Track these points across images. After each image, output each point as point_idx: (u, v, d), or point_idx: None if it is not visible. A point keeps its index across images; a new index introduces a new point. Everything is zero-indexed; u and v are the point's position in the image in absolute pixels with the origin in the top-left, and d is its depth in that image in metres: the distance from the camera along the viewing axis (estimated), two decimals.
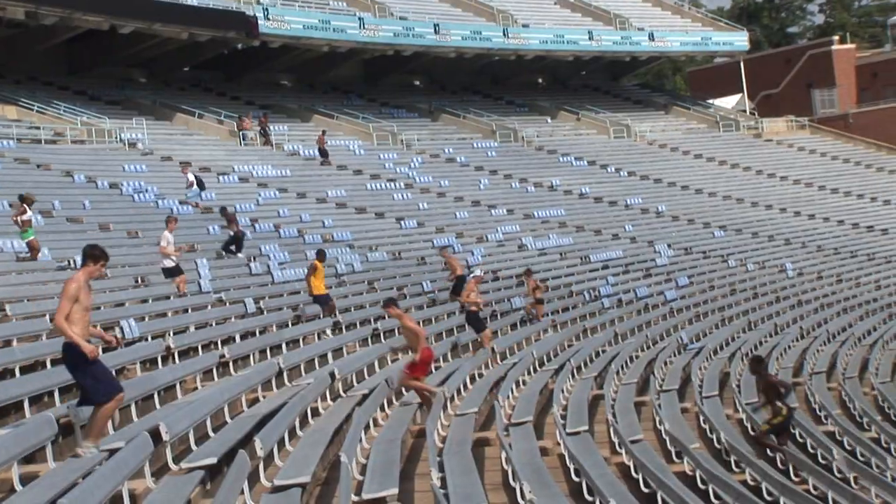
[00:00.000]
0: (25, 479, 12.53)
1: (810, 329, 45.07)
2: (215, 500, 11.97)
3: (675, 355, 35.27)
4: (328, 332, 28.89)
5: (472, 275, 32.80)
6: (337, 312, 30.42)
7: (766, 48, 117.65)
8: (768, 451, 21.12)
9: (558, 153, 71.36)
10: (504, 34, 75.67)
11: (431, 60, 75.72)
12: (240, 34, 62.15)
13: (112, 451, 13.30)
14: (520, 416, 20.68)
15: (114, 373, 14.31)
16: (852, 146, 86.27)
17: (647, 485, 16.79)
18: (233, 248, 36.15)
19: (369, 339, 29.55)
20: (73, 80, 61.17)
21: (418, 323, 23.22)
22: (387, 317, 26.93)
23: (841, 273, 57.90)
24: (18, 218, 29.97)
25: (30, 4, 51.96)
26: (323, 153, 57.61)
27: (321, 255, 31.58)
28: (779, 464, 20.48)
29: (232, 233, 36.65)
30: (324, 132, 59.80)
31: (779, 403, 21.22)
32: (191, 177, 44.26)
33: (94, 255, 14.00)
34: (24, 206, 30.01)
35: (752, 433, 22.32)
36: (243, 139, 58.00)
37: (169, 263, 29.82)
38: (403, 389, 22.21)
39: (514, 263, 46.51)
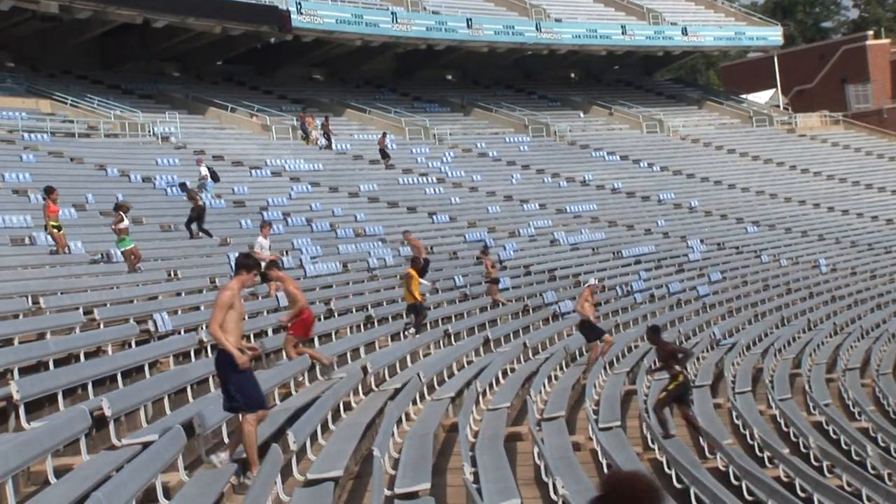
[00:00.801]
0: (59, 472, 12.58)
1: (844, 325, 44.88)
2: (248, 494, 11.98)
3: (707, 351, 35.18)
4: (360, 326, 28.92)
5: (586, 283, 32.21)
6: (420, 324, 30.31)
7: (800, 43, 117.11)
8: (689, 426, 20.99)
9: (591, 148, 71.19)
10: (537, 28, 75.53)
11: (464, 55, 75.63)
12: (273, 28, 62.23)
13: (145, 445, 13.33)
14: (552, 411, 20.67)
15: (260, 388, 14.23)
16: (886, 141, 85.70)
17: (679, 480, 16.75)
18: (193, 226, 36.11)
19: (401, 334, 29.55)
20: (107, 73, 61.39)
21: (299, 287, 23.03)
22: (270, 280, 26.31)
23: (875, 269, 57.59)
24: (116, 227, 29.91)
25: None
26: (384, 154, 57.38)
27: (416, 263, 31.37)
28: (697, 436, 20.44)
29: (192, 207, 36.72)
30: (384, 134, 59.59)
31: (678, 368, 21.10)
32: (203, 170, 44.29)
33: (246, 264, 13.99)
34: (121, 213, 29.97)
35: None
36: (305, 137, 57.95)
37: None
38: (290, 355, 21.95)
39: (546, 258, 46.49)
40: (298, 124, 58.94)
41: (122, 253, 29.59)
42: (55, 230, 29.38)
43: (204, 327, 23.33)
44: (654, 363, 22.36)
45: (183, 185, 39.51)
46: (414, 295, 29.77)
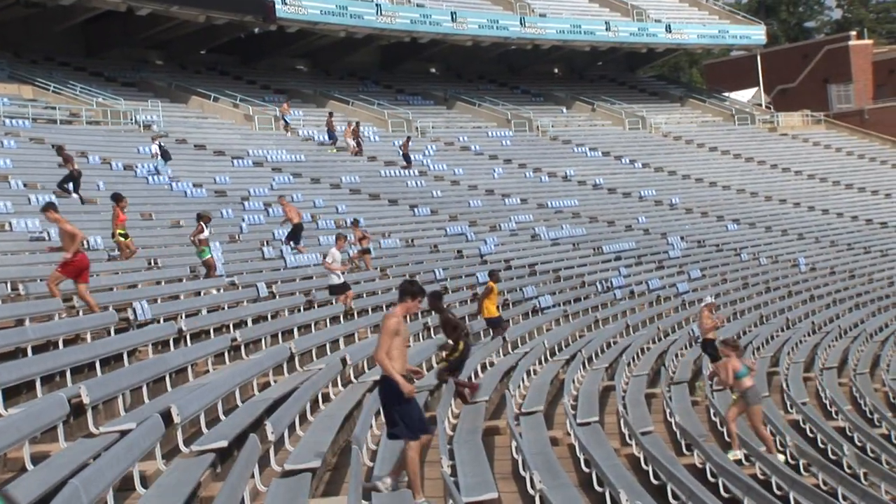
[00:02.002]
0: (37, 459, 12.55)
1: (822, 324, 45.01)
2: (226, 484, 11.98)
3: (686, 348, 35.23)
4: (340, 318, 28.91)
5: (703, 302, 31.94)
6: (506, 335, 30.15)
7: (783, 42, 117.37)
8: (459, 392, 21.10)
9: (573, 143, 71.29)
10: (521, 23, 75.61)
11: (448, 48, 75.67)
12: (257, 18, 62.21)
13: (123, 433, 13.31)
14: (530, 406, 20.69)
15: (423, 414, 14.16)
16: (867, 142, 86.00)
17: (656, 477, 16.79)
18: (68, 186, 36.05)
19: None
20: (90, 61, 61.26)
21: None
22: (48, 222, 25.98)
23: (854, 269, 57.78)
24: (196, 237, 29.76)
25: None
26: (406, 158, 57.21)
27: (494, 276, 31.14)
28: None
29: (68, 171, 36.65)
30: (409, 138, 59.37)
31: (456, 340, 21.12)
32: (155, 147, 44.23)
33: (412, 291, 13.81)
34: (202, 224, 29.84)
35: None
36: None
37: (335, 280, 29.96)
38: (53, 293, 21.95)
39: (527, 253, 46.52)
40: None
41: (201, 263, 29.52)
42: (122, 238, 29.25)
43: (183, 316, 23.30)
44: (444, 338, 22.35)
45: (60, 149, 39.25)
46: (491, 309, 29.50)
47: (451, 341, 21.16)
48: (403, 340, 13.52)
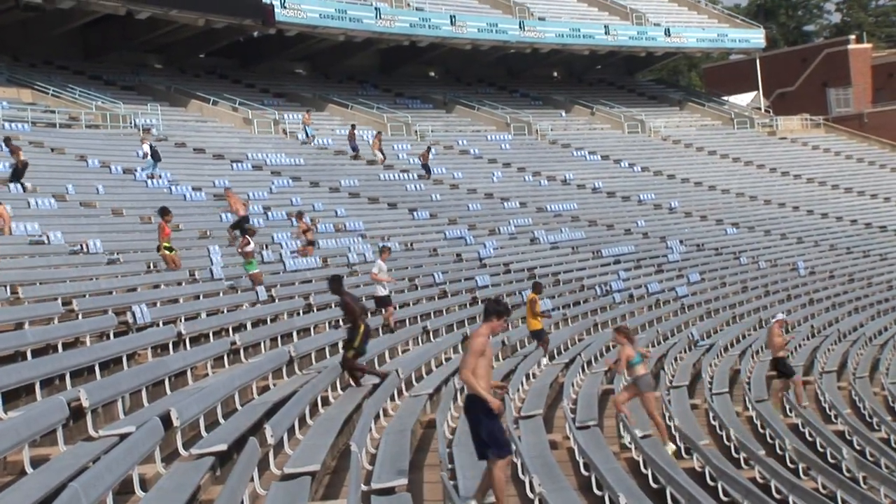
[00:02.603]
0: (36, 462, 12.56)
1: (821, 328, 45.02)
2: (225, 487, 11.98)
3: (685, 351, 35.25)
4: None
5: (774, 318, 31.73)
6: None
7: (783, 46, 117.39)
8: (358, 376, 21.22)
9: (572, 147, 71.27)
10: (520, 27, 75.62)
11: (447, 52, 75.66)
12: (256, 22, 62.13)
13: (123, 436, 13.32)
14: (530, 410, 20.70)
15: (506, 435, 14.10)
16: (867, 146, 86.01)
17: (656, 480, 16.79)
18: (16, 179, 36.18)
19: (380, 330, 29.51)
20: (89, 64, 61.23)
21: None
22: None
23: (853, 272, 57.79)
24: (242, 249, 29.72)
25: None
26: (426, 169, 56.96)
27: (537, 287, 31.08)
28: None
29: (15, 162, 36.70)
30: (428, 149, 59.11)
31: (356, 323, 21.29)
32: (146, 147, 44.20)
33: (498, 310, 13.77)
34: (247, 237, 29.86)
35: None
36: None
37: (382, 291, 30.06)
38: None
39: (526, 257, 46.53)
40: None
41: (248, 276, 29.52)
42: (167, 251, 29.30)
43: (182, 319, 23.31)
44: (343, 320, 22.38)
45: (7, 140, 39.22)
46: (536, 320, 29.39)
47: (350, 325, 21.45)
48: (488, 359, 13.56)
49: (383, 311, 30.07)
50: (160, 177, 43.29)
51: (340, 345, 23.50)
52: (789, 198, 70.44)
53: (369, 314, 21.80)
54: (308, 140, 58.35)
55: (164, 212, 29.69)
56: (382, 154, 57.19)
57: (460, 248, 45.10)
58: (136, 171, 43.60)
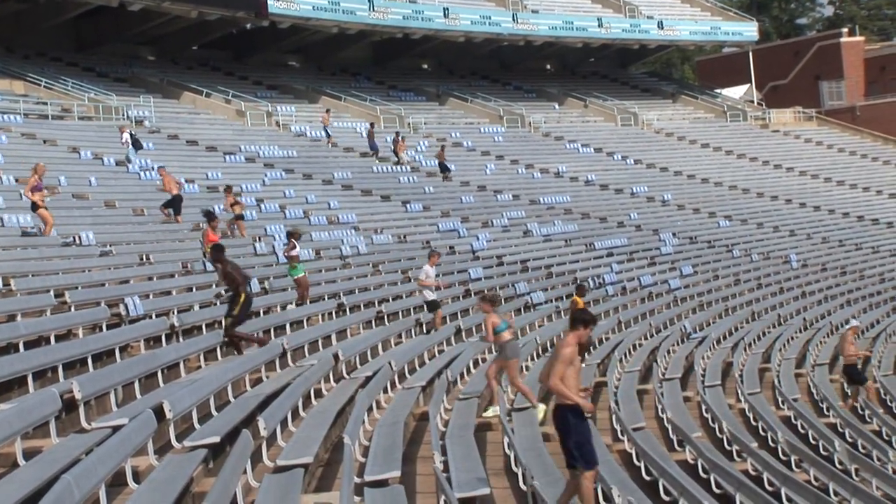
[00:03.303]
0: (29, 455, 12.54)
1: (813, 321, 45.09)
2: (218, 479, 11.97)
3: (678, 344, 35.27)
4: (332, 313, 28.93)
5: (848, 325, 31.52)
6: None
7: (775, 39, 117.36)
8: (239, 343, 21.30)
9: (565, 140, 71.30)
10: (513, 19, 75.64)
11: (440, 44, 75.64)
12: (249, 14, 62.10)
13: (115, 428, 13.30)
14: (522, 402, 20.69)
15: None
16: (859, 139, 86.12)
17: (648, 472, 16.81)
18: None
19: (373, 322, 29.54)
20: (82, 56, 61.18)
21: None
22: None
23: (845, 265, 57.85)
24: (287, 253, 29.65)
25: None
26: (443, 168, 56.78)
27: (581, 289, 31.02)
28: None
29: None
30: (443, 147, 59.10)
31: (237, 292, 21.37)
32: (126, 136, 44.13)
33: (584, 319, 13.88)
34: (293, 241, 29.77)
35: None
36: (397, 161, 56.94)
37: (430, 296, 30.07)
38: None
39: (519, 249, 46.53)
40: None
41: (295, 281, 29.48)
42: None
43: (175, 311, 23.28)
44: (224, 290, 22.37)
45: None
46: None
47: (231, 293, 21.52)
48: (577, 368, 13.67)
49: (433, 314, 30.03)
50: (144, 167, 43.16)
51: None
52: (782, 191, 70.50)
53: (245, 280, 21.86)
54: (329, 140, 58.07)
55: (209, 216, 29.51)
56: (405, 156, 57.02)
57: (453, 240, 45.10)
58: (128, 162, 43.55)
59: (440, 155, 57.20)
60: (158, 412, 13.87)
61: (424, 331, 29.50)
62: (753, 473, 18.32)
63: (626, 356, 30.83)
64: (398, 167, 55.81)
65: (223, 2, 60.51)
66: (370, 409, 18.83)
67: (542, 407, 19.93)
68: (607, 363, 29.06)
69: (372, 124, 59.98)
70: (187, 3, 58.84)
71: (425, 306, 30.63)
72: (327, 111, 61.11)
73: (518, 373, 21.01)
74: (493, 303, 20.98)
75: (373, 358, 24.43)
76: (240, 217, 36.56)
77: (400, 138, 57.70)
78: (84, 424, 14.13)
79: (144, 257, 30.07)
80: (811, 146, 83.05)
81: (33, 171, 30.11)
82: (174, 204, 35.80)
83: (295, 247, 29.69)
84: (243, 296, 21.39)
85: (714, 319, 42.50)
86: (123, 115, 51.88)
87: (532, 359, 28.69)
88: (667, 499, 15.74)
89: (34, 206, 29.25)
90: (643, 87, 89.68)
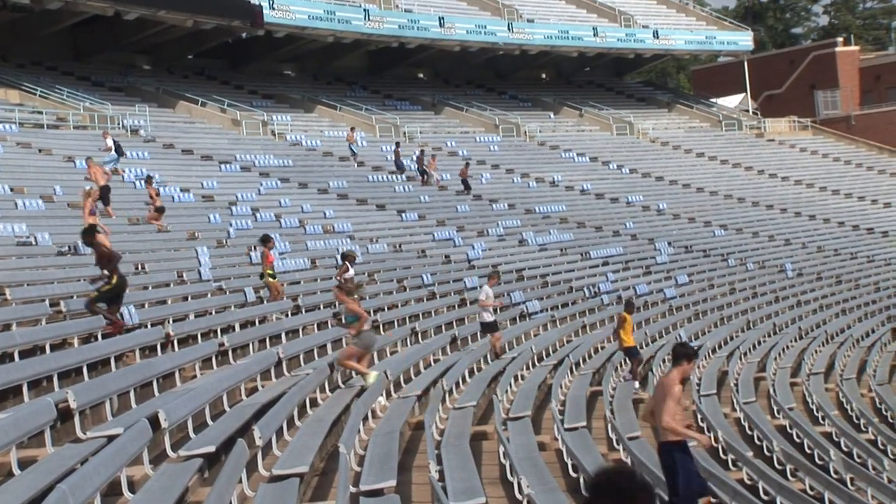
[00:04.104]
0: (24, 464, 12.53)
1: (809, 330, 45.12)
2: (213, 489, 11.97)
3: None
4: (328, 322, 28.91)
5: None
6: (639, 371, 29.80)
7: (770, 48, 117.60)
8: (103, 319, 21.40)
9: (560, 149, 71.34)
10: (509, 29, 75.70)
11: (436, 53, 75.70)
12: (244, 23, 62.09)
13: (111, 438, 13.29)
14: (518, 411, 20.71)
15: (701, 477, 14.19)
16: (854, 148, 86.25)
17: None
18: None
19: (488, 356, 29.22)
20: (77, 65, 61.16)
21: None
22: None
23: (840, 274, 57.90)
24: (340, 276, 29.57)
25: None
26: (466, 184, 56.50)
27: (630, 306, 30.99)
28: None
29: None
30: (467, 164, 59.03)
31: (111, 272, 21.59)
32: (109, 141, 44.11)
33: (687, 354, 13.88)
34: (346, 263, 29.75)
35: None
36: (424, 177, 56.42)
37: (488, 318, 29.42)
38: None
39: (514, 258, 46.54)
40: (416, 167, 57.57)
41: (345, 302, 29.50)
42: (270, 279, 29.27)
43: (170, 321, 23.27)
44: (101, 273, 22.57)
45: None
46: (626, 339, 29.07)
47: (106, 272, 21.73)
48: (682, 403, 13.81)
49: (490, 336, 29.50)
50: (139, 176, 43.16)
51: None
52: (777, 200, 70.56)
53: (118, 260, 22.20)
54: (355, 158, 57.80)
55: (265, 240, 29.50)
56: (436, 175, 56.80)
57: (449, 249, 45.12)
58: (122, 172, 43.54)
59: (463, 172, 57.05)
60: (154, 421, 13.85)
61: (490, 358, 28.73)
62: (749, 482, 18.33)
63: (621, 365, 30.84)
64: (396, 176, 55.77)
65: (219, 11, 60.54)
66: (365, 419, 18.83)
67: (373, 374, 20.60)
68: (603, 372, 29.08)
69: (398, 143, 59.63)
70: (183, 12, 58.86)
71: (480, 328, 30.25)
72: (352, 129, 60.76)
73: (353, 355, 21.34)
74: (348, 292, 21.84)
75: (368, 368, 24.40)
76: (159, 210, 36.70)
77: (430, 156, 57.64)
78: (79, 434, 14.11)
79: (140, 266, 30.07)
80: (806, 155, 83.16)
81: (86, 195, 30.22)
82: (103, 195, 35.54)
83: (348, 269, 29.56)
84: (116, 277, 21.62)
85: (709, 328, 42.53)
86: (119, 124, 51.85)
87: (527, 368, 28.70)
88: None
89: (87, 233, 29.28)
90: (638, 97, 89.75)
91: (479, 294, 30.90)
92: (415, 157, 57.59)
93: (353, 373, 21.34)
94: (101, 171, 37.45)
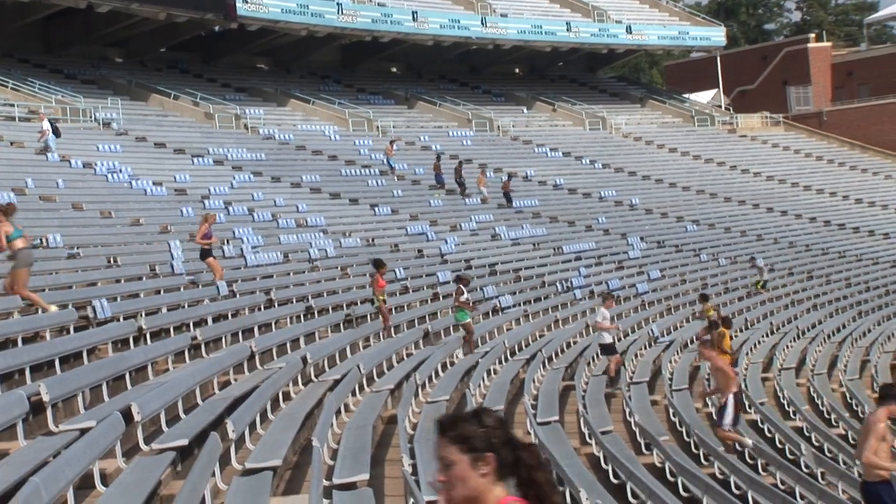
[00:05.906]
0: None
1: (780, 325, 45.28)
2: (186, 482, 11.96)
3: (645, 348, 35.38)
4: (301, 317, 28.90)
5: None
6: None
7: (743, 44, 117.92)
8: None
9: (533, 143, 71.38)
10: (482, 23, 75.66)
11: (409, 48, 75.66)
12: (218, 16, 61.94)
13: (83, 431, 13.27)
14: (490, 405, 20.71)
15: None
16: (826, 144, 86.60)
17: (616, 476, 16.87)
18: None
19: (341, 325, 29.55)
20: (49, 58, 60.90)
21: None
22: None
23: (812, 270, 58.10)
24: (458, 299, 29.36)
25: None
26: (507, 197, 56.04)
27: (728, 323, 30.85)
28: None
29: None
30: (510, 177, 58.10)
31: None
32: (46, 124, 43.88)
33: (894, 394, 13.79)
34: (461, 286, 29.52)
35: None
36: (461, 190, 55.60)
37: (607, 339, 28.99)
38: None
39: (487, 253, 46.55)
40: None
41: (461, 325, 29.42)
42: (383, 303, 29.38)
43: (143, 314, 23.22)
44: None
45: None
46: (725, 355, 27.97)
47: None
48: (889, 443, 13.64)
49: (608, 358, 28.97)
50: (112, 168, 42.96)
51: None
52: (749, 195, 70.76)
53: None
54: (393, 172, 56.89)
55: (378, 264, 29.57)
56: (485, 191, 56.18)
57: (422, 244, 45.13)
58: (95, 165, 43.41)
59: (505, 185, 56.78)
60: (126, 415, 13.84)
61: (608, 382, 27.72)
62: (720, 477, 18.41)
63: (594, 360, 30.92)
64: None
65: (192, 4, 60.35)
66: (338, 412, 18.84)
67: (54, 308, 20.91)
68: (575, 366, 29.14)
69: (438, 155, 58.58)
70: (156, 5, 58.66)
71: (599, 349, 29.89)
72: (391, 142, 59.27)
73: (24, 284, 21.29)
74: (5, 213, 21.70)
75: (341, 361, 24.44)
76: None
77: (481, 170, 57.52)
78: (52, 427, 14.08)
79: (112, 259, 30.00)
80: (778, 151, 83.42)
81: (203, 220, 30.13)
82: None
83: (464, 292, 29.33)
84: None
85: (681, 323, 42.65)
86: (91, 117, 51.68)
87: (500, 362, 28.74)
88: (634, 502, 15.80)
89: (204, 254, 29.17)
90: (611, 92, 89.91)
91: (595, 317, 30.49)
92: (452, 168, 56.69)
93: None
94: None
